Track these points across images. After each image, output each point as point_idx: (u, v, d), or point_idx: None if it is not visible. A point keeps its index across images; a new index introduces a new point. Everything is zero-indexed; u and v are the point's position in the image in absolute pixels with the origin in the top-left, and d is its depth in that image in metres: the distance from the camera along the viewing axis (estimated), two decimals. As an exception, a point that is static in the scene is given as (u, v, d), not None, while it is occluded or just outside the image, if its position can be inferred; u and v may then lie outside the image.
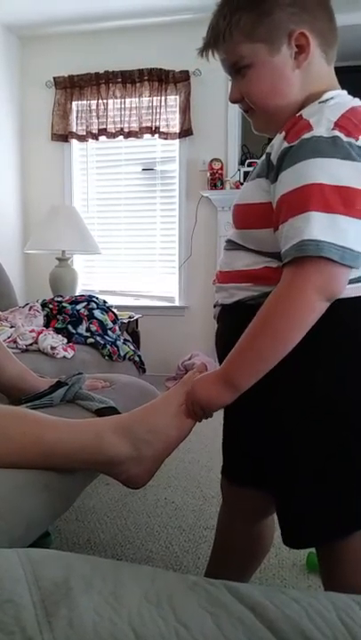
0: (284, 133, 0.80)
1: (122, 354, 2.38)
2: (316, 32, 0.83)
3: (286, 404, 0.84)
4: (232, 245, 0.91)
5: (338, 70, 0.89)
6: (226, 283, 0.91)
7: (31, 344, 2.07)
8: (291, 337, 0.76)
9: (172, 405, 0.93)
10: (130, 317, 3.05)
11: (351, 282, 0.78)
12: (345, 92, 0.85)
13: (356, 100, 0.82)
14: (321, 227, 0.72)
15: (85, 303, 2.47)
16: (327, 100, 0.80)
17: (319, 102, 0.80)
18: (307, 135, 0.75)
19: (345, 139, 0.74)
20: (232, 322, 0.90)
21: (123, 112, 3.66)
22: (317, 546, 0.92)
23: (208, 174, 3.53)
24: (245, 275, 0.87)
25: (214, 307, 0.97)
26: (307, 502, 0.85)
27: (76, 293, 3.22)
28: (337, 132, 0.74)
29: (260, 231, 0.85)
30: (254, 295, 0.86)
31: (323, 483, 0.83)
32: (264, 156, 0.85)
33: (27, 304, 2.46)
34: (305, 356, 0.80)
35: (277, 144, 0.80)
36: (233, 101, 0.92)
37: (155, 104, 3.60)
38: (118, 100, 3.66)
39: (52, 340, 2.08)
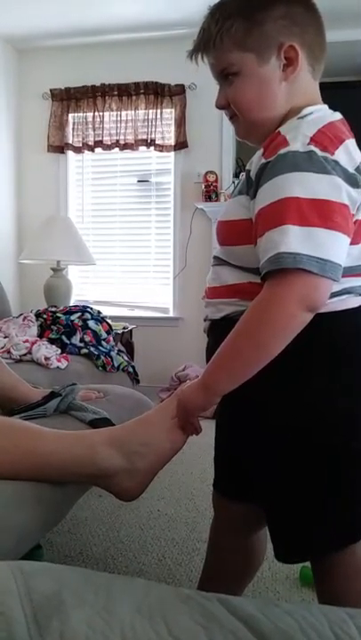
0: (262, 150, 0.81)
1: (116, 364, 2.38)
2: (305, 46, 0.84)
3: (275, 418, 0.84)
4: (218, 261, 0.92)
5: (322, 86, 0.91)
6: (214, 298, 0.92)
7: (25, 354, 2.06)
8: (272, 345, 0.76)
9: (165, 418, 0.92)
10: (124, 328, 3.05)
11: (335, 295, 0.79)
12: (325, 106, 0.86)
13: (336, 114, 0.84)
14: (298, 239, 0.72)
15: (79, 313, 2.47)
16: (306, 115, 0.81)
17: (298, 118, 0.81)
18: (283, 150, 0.76)
19: (320, 153, 0.75)
20: (221, 336, 0.90)
21: (119, 124, 3.69)
22: (309, 560, 0.92)
23: (203, 186, 3.56)
24: (232, 289, 0.88)
25: (204, 321, 0.98)
26: (297, 517, 0.85)
27: (71, 304, 3.22)
28: (312, 147, 0.75)
29: (241, 247, 0.85)
30: (241, 310, 0.85)
31: (313, 498, 0.83)
32: (244, 174, 0.86)
33: (21, 314, 2.46)
34: (293, 370, 0.80)
35: (256, 161, 0.82)
36: (219, 107, 0.92)
37: (150, 117, 3.63)
38: (114, 113, 3.69)
39: (45, 350, 2.07)
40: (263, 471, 0.88)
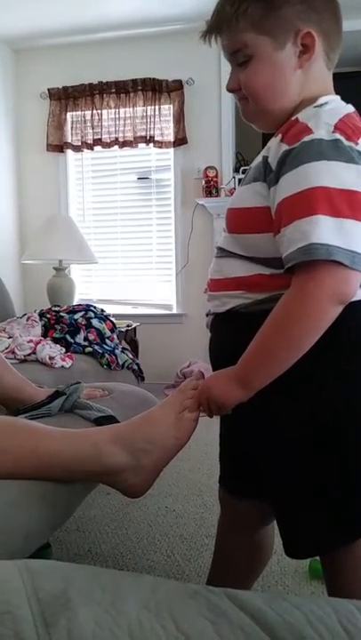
0: (280, 136, 0.79)
1: (120, 362, 2.38)
2: (322, 34, 0.82)
3: (288, 414, 0.83)
4: (222, 252, 0.90)
5: (336, 76, 0.89)
6: (217, 291, 0.90)
7: (29, 354, 2.07)
8: (305, 341, 0.76)
9: (169, 414, 0.92)
10: (128, 326, 3.05)
11: None
12: (338, 97, 0.85)
13: (349, 106, 0.82)
14: (329, 230, 0.71)
15: (83, 312, 2.47)
16: (322, 104, 0.80)
17: (314, 106, 0.80)
18: (307, 138, 0.74)
19: (346, 142, 0.74)
20: (226, 330, 0.89)
21: (117, 122, 3.68)
22: (319, 555, 0.91)
23: (203, 182, 3.55)
24: (237, 282, 0.86)
25: (207, 315, 0.96)
26: (307, 513, 0.84)
27: (74, 303, 3.22)
28: (338, 135, 0.74)
29: (255, 236, 0.84)
30: (247, 303, 0.85)
31: (323, 493, 0.83)
32: (260, 159, 0.83)
33: (24, 314, 2.46)
34: (311, 366, 0.79)
35: (274, 147, 0.79)
36: (230, 90, 0.89)
37: (149, 113, 3.62)
38: (113, 110, 3.69)
39: (49, 349, 2.07)
40: (275, 468, 0.87)
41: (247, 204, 0.85)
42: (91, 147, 3.76)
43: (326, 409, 0.82)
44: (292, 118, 0.80)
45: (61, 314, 2.45)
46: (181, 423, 0.91)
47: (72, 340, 2.32)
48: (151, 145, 3.66)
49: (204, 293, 0.97)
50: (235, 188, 3.45)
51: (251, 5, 0.81)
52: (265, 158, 0.81)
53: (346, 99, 0.85)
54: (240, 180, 3.41)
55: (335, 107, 0.80)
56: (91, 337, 2.36)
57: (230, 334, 0.88)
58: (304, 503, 0.84)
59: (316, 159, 0.73)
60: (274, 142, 0.80)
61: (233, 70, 0.88)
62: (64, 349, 2.19)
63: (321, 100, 0.80)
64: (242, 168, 3.52)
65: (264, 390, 0.80)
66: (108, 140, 3.71)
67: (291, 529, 0.87)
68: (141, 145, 3.69)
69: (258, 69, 0.84)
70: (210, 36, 0.87)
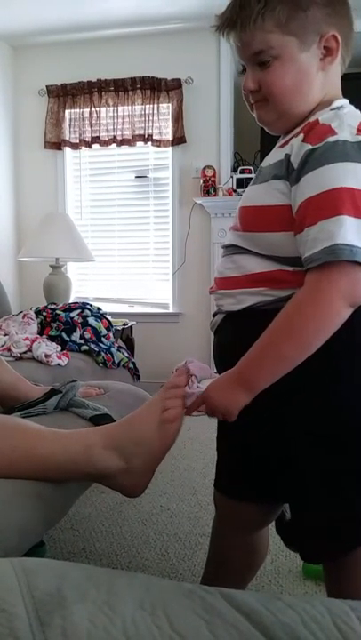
0: (302, 136, 0.78)
1: (116, 361, 2.38)
2: (343, 37, 0.83)
3: (299, 417, 0.82)
4: (237, 249, 0.88)
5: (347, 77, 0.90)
6: (232, 288, 0.87)
7: (25, 352, 2.06)
8: (314, 341, 0.75)
9: (154, 414, 0.90)
10: (124, 324, 3.05)
11: None
12: (347, 100, 0.85)
13: (358, 110, 0.83)
14: (353, 231, 0.72)
15: (79, 310, 2.47)
16: (339, 107, 0.80)
17: (331, 109, 0.80)
18: (332, 138, 0.75)
19: None
20: (241, 329, 0.86)
21: (116, 120, 3.68)
22: (336, 558, 0.89)
23: (201, 181, 3.55)
24: (258, 278, 0.84)
25: (214, 315, 0.93)
26: (323, 517, 0.83)
27: (70, 301, 3.21)
28: None
29: (274, 234, 0.82)
30: (268, 300, 0.83)
31: (337, 496, 0.82)
32: (280, 157, 0.82)
33: (20, 312, 2.46)
34: (322, 367, 0.78)
35: (297, 146, 0.79)
36: (248, 91, 0.87)
37: (147, 112, 3.62)
38: (111, 108, 3.68)
39: (46, 347, 2.07)
40: (285, 472, 0.85)
41: (266, 202, 0.83)
42: (89, 144, 3.75)
43: (343, 412, 0.81)
44: (312, 119, 0.80)
45: (58, 312, 2.45)
46: (163, 425, 0.89)
47: (68, 339, 2.32)
48: (149, 143, 3.66)
49: (210, 294, 0.94)
50: (232, 188, 3.45)
51: (280, 4, 0.80)
52: (287, 156, 0.80)
53: (349, 100, 0.86)
54: (238, 180, 3.42)
55: (352, 110, 0.81)
56: (87, 335, 2.36)
57: (247, 333, 0.84)
58: (319, 507, 0.83)
59: (341, 160, 0.73)
60: (295, 141, 0.79)
61: (251, 70, 0.86)
62: (60, 347, 2.19)
63: (337, 104, 0.81)
64: (240, 168, 3.52)
65: (274, 393, 0.79)
66: (107, 138, 3.71)
67: (305, 533, 0.86)
68: (139, 143, 3.68)
69: (283, 70, 0.82)
70: (228, 31, 0.85)
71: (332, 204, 0.73)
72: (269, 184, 0.82)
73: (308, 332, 0.75)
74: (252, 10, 0.81)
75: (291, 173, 0.79)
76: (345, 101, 0.83)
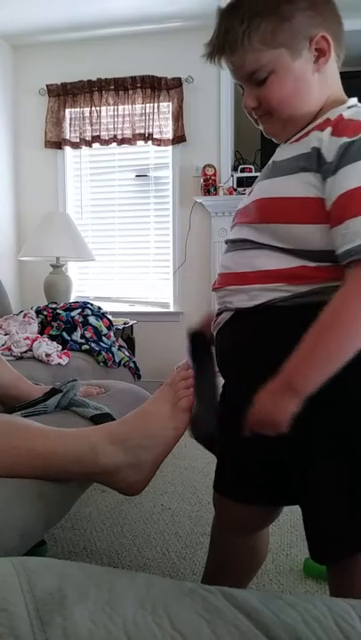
0: (330, 129, 0.78)
1: (117, 360, 2.38)
2: (332, 35, 0.83)
3: (319, 417, 0.79)
4: (250, 244, 0.85)
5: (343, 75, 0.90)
6: (245, 284, 0.85)
7: (26, 351, 2.06)
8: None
9: (163, 407, 0.92)
10: (125, 323, 3.05)
11: None
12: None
13: None
14: None
15: (80, 310, 2.47)
16: (355, 105, 0.81)
17: (349, 107, 0.81)
18: None
19: None
20: (253, 326, 0.83)
21: (116, 119, 3.67)
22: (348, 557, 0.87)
23: (201, 180, 3.54)
24: (276, 274, 0.81)
25: (220, 314, 0.90)
26: (341, 518, 0.82)
27: (71, 300, 3.21)
28: None
29: (299, 226, 0.80)
30: (286, 296, 0.81)
31: (356, 499, 0.81)
32: (307, 150, 0.80)
33: (21, 311, 2.46)
34: (352, 374, 0.76)
35: (327, 139, 0.78)
36: (250, 108, 0.88)
37: (148, 111, 3.62)
38: (111, 107, 3.68)
39: (46, 347, 2.07)
40: (302, 474, 0.84)
41: (294, 194, 0.80)
42: (89, 144, 3.75)
43: None
44: (333, 116, 0.80)
45: (58, 311, 2.45)
46: (177, 413, 0.91)
47: (69, 338, 2.32)
48: (150, 142, 3.65)
49: (214, 291, 0.91)
50: (233, 187, 3.45)
51: (263, 21, 0.80)
52: (316, 149, 0.79)
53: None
54: (238, 179, 3.41)
55: None
56: (87, 334, 2.36)
57: (260, 330, 0.82)
58: (337, 509, 0.82)
59: None
60: (322, 135, 0.79)
61: (248, 88, 0.86)
62: (60, 347, 2.19)
63: (353, 102, 0.83)
64: (240, 166, 3.52)
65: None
66: (107, 137, 3.70)
67: (321, 533, 0.85)
68: (140, 142, 3.68)
69: (280, 83, 0.83)
70: (219, 57, 0.86)
71: None
72: (298, 176, 0.80)
73: (358, 326, 0.74)
74: (236, 33, 0.82)
75: (322, 166, 0.78)
76: (354, 100, 0.84)
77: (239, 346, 0.87)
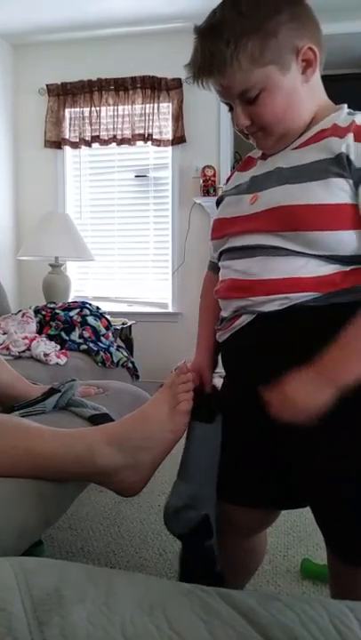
0: (352, 135, 0.78)
1: (115, 360, 2.38)
2: (316, 43, 0.84)
3: (340, 412, 0.78)
4: (277, 251, 0.83)
5: (335, 77, 0.91)
6: (272, 294, 0.83)
7: (24, 351, 2.06)
8: None
9: (162, 409, 0.92)
10: (123, 324, 3.04)
11: None
12: None
13: None
14: None
15: (78, 310, 2.47)
16: (352, 112, 0.84)
17: (348, 113, 0.83)
18: None
19: None
20: (282, 330, 0.82)
21: (115, 119, 3.67)
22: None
23: (201, 181, 3.54)
24: (316, 282, 0.81)
25: (236, 317, 0.88)
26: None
27: (69, 300, 3.21)
28: None
29: (334, 233, 0.79)
30: (316, 296, 0.80)
31: None
32: (333, 157, 0.79)
33: (19, 311, 2.45)
34: None
35: (353, 145, 0.78)
36: (243, 127, 0.87)
37: (147, 111, 3.62)
38: (111, 108, 3.68)
39: (44, 346, 2.07)
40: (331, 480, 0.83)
41: (325, 201, 0.79)
42: (89, 144, 3.75)
43: None
44: (343, 123, 0.80)
45: (57, 311, 2.45)
46: (176, 416, 0.92)
47: (67, 338, 2.32)
48: (149, 143, 3.65)
49: (226, 300, 0.90)
50: (232, 188, 3.45)
51: (249, 41, 0.80)
52: (343, 155, 0.78)
53: (346, 101, 0.87)
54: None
55: None
56: (86, 334, 2.36)
57: (292, 332, 0.81)
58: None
59: None
60: (347, 141, 0.78)
61: (239, 106, 0.86)
62: (59, 346, 2.19)
63: (345, 107, 0.85)
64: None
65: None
66: (107, 138, 3.70)
67: (345, 537, 0.85)
68: (139, 143, 3.68)
69: (272, 99, 0.83)
70: (206, 80, 0.85)
71: None
72: (326, 182, 0.79)
73: None
74: (224, 55, 0.80)
75: (353, 172, 0.78)
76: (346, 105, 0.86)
77: (268, 348, 0.85)
